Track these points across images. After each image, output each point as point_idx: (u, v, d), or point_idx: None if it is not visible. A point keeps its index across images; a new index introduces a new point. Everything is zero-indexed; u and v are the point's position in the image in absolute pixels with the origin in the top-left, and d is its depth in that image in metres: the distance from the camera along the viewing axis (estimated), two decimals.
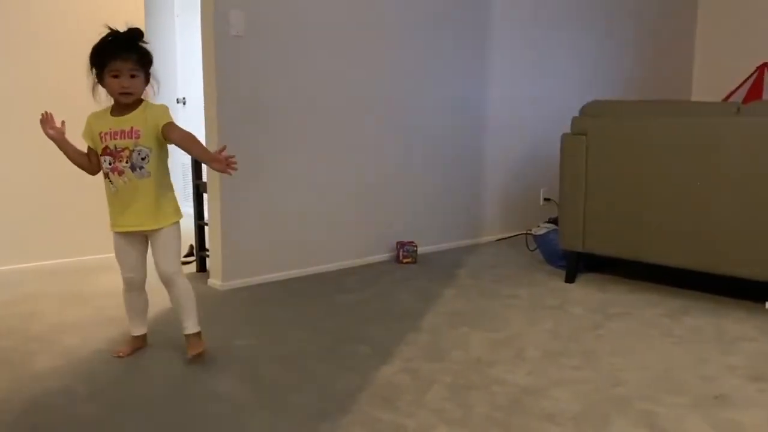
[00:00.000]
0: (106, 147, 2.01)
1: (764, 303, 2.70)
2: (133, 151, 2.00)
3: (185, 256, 3.60)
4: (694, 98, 5.50)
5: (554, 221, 3.44)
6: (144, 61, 2.01)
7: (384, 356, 2.15)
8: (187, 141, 2.02)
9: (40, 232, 3.53)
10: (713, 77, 5.34)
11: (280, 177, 3.15)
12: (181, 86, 5.39)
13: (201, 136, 3.12)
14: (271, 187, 3.12)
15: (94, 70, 1.99)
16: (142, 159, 2.01)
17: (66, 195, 3.53)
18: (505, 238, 4.21)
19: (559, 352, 2.19)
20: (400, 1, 3.52)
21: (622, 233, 2.91)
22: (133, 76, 1.98)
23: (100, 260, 3.46)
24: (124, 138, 2.00)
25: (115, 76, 1.96)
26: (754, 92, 4.56)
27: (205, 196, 3.20)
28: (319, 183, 3.30)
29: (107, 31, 1.98)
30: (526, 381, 1.95)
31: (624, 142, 2.87)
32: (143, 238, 2.12)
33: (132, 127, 2.00)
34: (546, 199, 4.42)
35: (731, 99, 4.63)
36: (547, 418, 1.70)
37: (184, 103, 5.34)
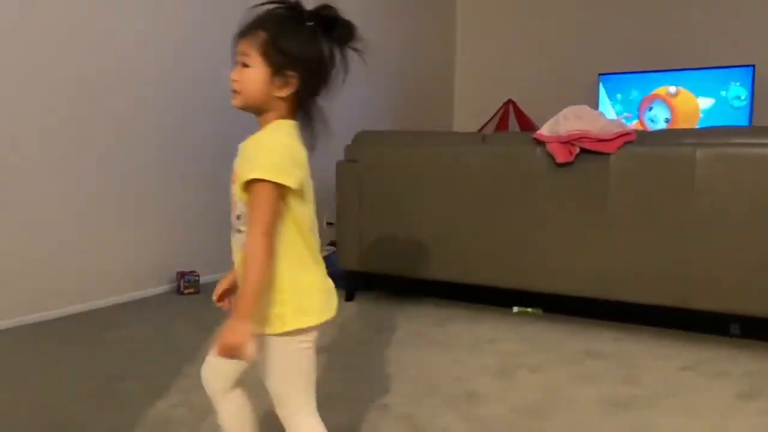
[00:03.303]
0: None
1: (512, 308, 3.09)
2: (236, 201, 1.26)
3: None
4: (455, 129, 6.13)
5: (335, 244, 3.59)
6: (277, 46, 1.19)
7: (158, 392, 2.06)
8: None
9: None
10: (470, 112, 6.01)
11: (28, 200, 2.87)
12: None
13: None
14: (19, 214, 2.83)
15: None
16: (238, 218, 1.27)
17: None
18: None
19: (335, 368, 2.29)
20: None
21: (392, 252, 3.14)
22: (243, 65, 1.21)
23: None
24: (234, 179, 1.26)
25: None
26: (502, 124, 5.22)
27: None
28: (81, 209, 3.05)
29: None
30: None
31: (390, 167, 3.11)
32: None
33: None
34: (329, 223, 4.57)
35: (484, 130, 5.24)
36: None
37: None
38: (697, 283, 2.52)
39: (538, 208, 2.83)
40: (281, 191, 1.16)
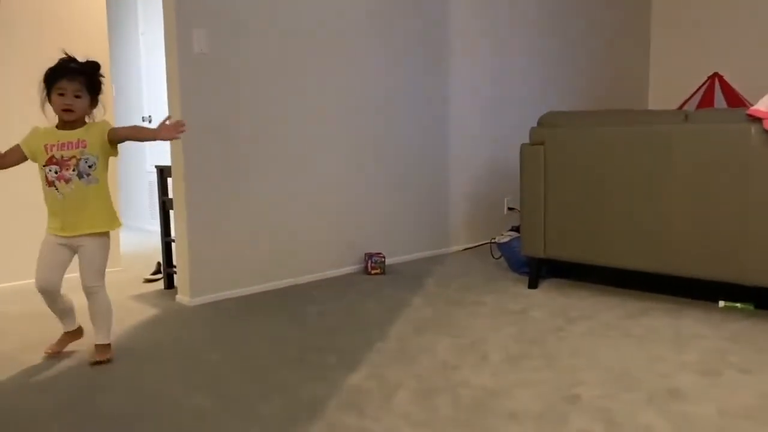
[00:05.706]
0: (52, 157, 2.19)
1: (717, 302, 2.81)
2: (80, 159, 2.20)
3: (153, 273, 3.59)
4: (650, 108, 5.69)
5: (517, 229, 3.53)
6: (90, 85, 2.24)
7: (351, 364, 2.18)
8: (133, 130, 2.41)
9: (3, 253, 3.49)
10: (668, 88, 5.54)
11: (246, 192, 3.18)
12: (147, 104, 5.39)
13: (167, 154, 3.15)
14: (238, 203, 3.15)
15: (44, 87, 2.21)
16: (89, 167, 2.22)
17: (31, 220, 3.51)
18: (471, 248, 4.29)
19: (522, 355, 2.25)
20: (360, 18, 3.60)
21: (580, 239, 3.00)
22: (77, 97, 2.20)
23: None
24: (71, 148, 2.20)
25: (61, 94, 2.18)
26: (706, 101, 4.74)
27: (171, 212, 3.22)
28: (285, 197, 3.34)
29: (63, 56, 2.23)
30: (489, 383, 2.01)
31: (580, 150, 2.97)
32: (73, 247, 2.26)
33: (78, 139, 2.22)
34: (510, 208, 4.51)
35: (685, 108, 4.80)
36: (509, 418, 1.76)
37: (149, 121, 5.33)
38: None
39: (754, 193, 2.53)
40: None
